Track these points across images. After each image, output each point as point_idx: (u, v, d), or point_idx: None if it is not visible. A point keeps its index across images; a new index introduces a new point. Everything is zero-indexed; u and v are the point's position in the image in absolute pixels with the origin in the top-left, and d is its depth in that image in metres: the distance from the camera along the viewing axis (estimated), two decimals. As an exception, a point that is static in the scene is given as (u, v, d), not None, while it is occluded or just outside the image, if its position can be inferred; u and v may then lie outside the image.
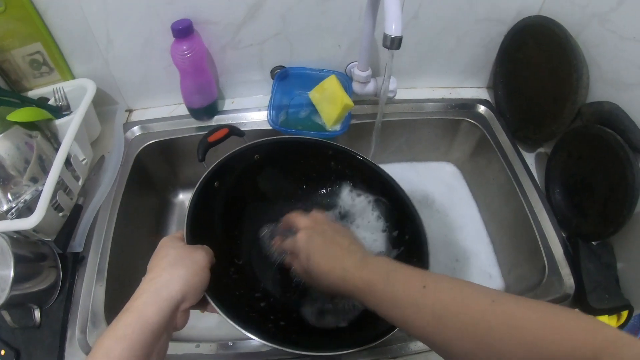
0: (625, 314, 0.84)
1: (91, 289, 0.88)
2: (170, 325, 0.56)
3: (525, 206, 0.99)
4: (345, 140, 1.09)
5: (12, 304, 0.81)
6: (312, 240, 0.68)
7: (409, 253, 0.82)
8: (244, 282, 0.80)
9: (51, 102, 1.02)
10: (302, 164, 0.91)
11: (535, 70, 1.02)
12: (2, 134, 0.89)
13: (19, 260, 0.80)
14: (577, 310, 0.46)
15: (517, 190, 1.01)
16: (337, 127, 1.02)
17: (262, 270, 0.84)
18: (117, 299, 0.89)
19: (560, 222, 0.96)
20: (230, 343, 0.82)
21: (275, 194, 0.92)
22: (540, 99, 1.01)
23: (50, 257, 0.89)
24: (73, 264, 0.91)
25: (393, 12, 0.74)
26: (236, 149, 0.84)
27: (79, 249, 0.92)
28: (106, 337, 0.51)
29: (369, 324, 0.73)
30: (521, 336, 0.43)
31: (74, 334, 0.83)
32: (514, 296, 0.49)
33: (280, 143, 0.89)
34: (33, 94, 1.04)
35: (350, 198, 0.91)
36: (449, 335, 0.49)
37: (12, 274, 0.78)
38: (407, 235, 0.85)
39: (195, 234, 0.70)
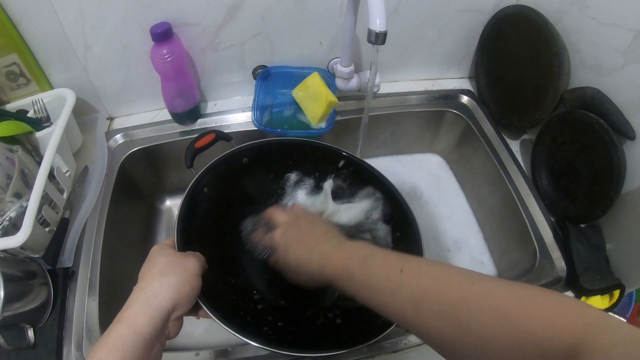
0: (617, 293, 0.85)
1: (84, 304, 0.84)
2: (163, 334, 0.55)
3: (513, 193, 0.98)
4: (331, 137, 1.07)
5: (4, 325, 0.77)
6: (288, 233, 0.68)
7: (401, 250, 0.80)
8: (239, 286, 0.78)
9: (30, 114, 0.97)
10: (291, 165, 0.89)
11: (516, 59, 1.01)
12: (-22, 150, 0.84)
13: (8, 279, 0.75)
14: (559, 292, 0.45)
15: (504, 177, 1.00)
16: (323, 125, 0.99)
17: (256, 271, 0.82)
18: (111, 311, 0.85)
19: (549, 207, 0.96)
20: (229, 349, 0.79)
21: (266, 196, 0.90)
22: (522, 86, 1.00)
23: (40, 274, 0.85)
24: (64, 279, 0.87)
25: (377, 7, 0.72)
26: (224, 153, 0.82)
27: (69, 264, 0.88)
28: (98, 348, 0.49)
29: (366, 319, 0.71)
30: (502, 319, 0.41)
31: (70, 351, 0.80)
32: (494, 278, 0.47)
33: (267, 145, 0.87)
34: (11, 106, 0.98)
35: (340, 196, 0.89)
36: (428, 318, 0.47)
37: (2, 294, 0.74)
38: (399, 232, 0.83)
39: (186, 241, 0.69)
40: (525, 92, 1.00)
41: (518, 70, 1.01)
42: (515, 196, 0.97)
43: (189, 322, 0.65)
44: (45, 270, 0.86)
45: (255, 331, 0.65)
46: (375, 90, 1.01)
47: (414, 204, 1.09)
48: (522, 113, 1.01)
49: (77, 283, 0.86)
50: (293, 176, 0.90)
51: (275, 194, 0.90)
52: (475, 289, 0.45)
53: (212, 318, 0.61)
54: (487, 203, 1.09)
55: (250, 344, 0.60)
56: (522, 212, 0.95)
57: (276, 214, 0.74)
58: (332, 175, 0.89)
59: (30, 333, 0.82)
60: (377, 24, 0.72)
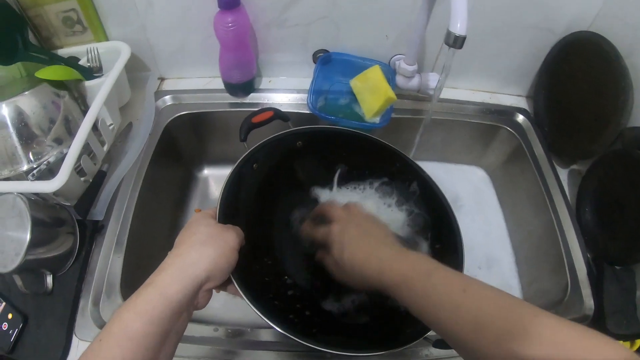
0: (639, 342, 0.79)
1: (108, 259, 0.81)
2: (192, 304, 0.53)
3: (554, 221, 0.91)
4: (382, 134, 1.00)
5: (25, 268, 0.73)
6: (347, 232, 0.63)
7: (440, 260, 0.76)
8: (273, 269, 0.75)
9: (82, 62, 0.93)
10: (344, 157, 0.84)
11: (579, 86, 0.94)
12: (29, 91, 0.80)
13: (36, 224, 0.72)
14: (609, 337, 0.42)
15: (548, 203, 0.93)
16: (377, 120, 0.93)
17: (292, 258, 0.78)
18: (134, 272, 0.83)
19: (587, 242, 0.89)
20: (248, 330, 0.76)
21: (313, 183, 0.85)
22: (582, 115, 0.93)
23: (69, 223, 0.82)
24: (92, 232, 0.83)
25: (460, 10, 0.67)
26: (279, 132, 0.78)
27: (99, 217, 0.84)
28: (125, 310, 0.47)
29: (396, 325, 0.68)
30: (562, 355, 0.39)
31: (86, 305, 0.76)
32: (554, 316, 0.43)
33: (324, 133, 0.82)
34: (63, 52, 0.94)
35: (389, 197, 0.84)
36: (488, 345, 0.44)
37: (28, 237, 0.71)
38: (438, 245, 0.78)
39: (228, 214, 0.65)
40: (583, 122, 0.93)
41: (579, 97, 0.94)
42: (555, 225, 0.91)
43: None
44: (75, 219, 0.83)
45: (281, 316, 0.61)
46: (432, 93, 0.96)
47: None
48: (577, 142, 0.94)
49: (105, 237, 0.83)
50: (344, 169, 0.85)
51: (323, 184, 0.85)
52: (538, 320, 0.42)
53: (240, 295, 0.58)
54: (525, 226, 1.03)
55: (274, 328, 0.57)
56: (560, 243, 0.88)
57: (333, 209, 0.69)
58: (384, 177, 0.85)
59: (49, 280, 0.79)
60: (458, 27, 0.67)
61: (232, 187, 0.69)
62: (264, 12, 0.92)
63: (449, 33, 0.68)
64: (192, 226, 0.58)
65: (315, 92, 0.94)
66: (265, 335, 0.75)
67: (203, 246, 0.54)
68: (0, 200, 0.76)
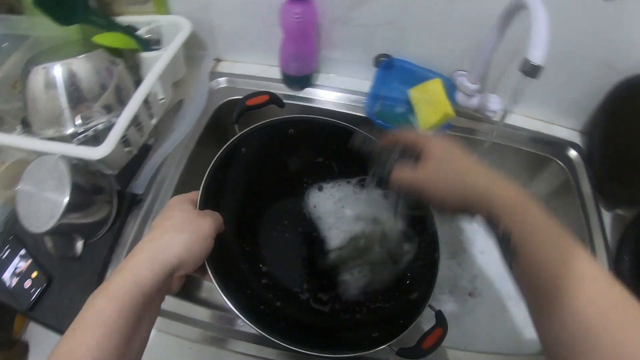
0: None
1: (142, 233, 0.80)
2: (164, 289, 0.52)
3: None
4: None
5: (58, 231, 0.72)
6: (453, 144, 0.58)
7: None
8: (251, 256, 0.74)
9: (141, 33, 0.91)
10: (336, 150, 0.81)
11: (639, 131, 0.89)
12: (84, 55, 0.79)
13: (75, 188, 0.70)
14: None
15: (587, 244, 0.89)
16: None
17: (274, 246, 0.77)
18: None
19: None
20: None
21: (302, 173, 0.84)
22: (637, 160, 0.89)
23: (107, 192, 0.80)
24: (129, 204, 0.82)
25: (541, 38, 0.63)
26: (273, 118, 0.76)
27: (139, 191, 0.83)
28: (98, 296, 0.46)
29: (365, 326, 0.68)
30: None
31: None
32: None
33: (319, 124, 0.79)
34: (121, 20, 0.92)
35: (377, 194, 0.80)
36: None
37: (66, 201, 0.69)
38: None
39: (210, 198, 0.64)
40: (637, 167, 0.88)
41: (637, 142, 0.89)
42: None
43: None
44: (114, 189, 0.81)
45: (251, 306, 0.60)
46: (490, 115, 0.92)
47: (487, 240, 1.03)
48: (628, 187, 0.89)
49: (142, 211, 0.81)
50: (335, 165, 0.84)
51: (313, 175, 0.84)
52: None
53: (212, 281, 0.57)
54: (562, 266, 0.99)
55: (241, 318, 0.56)
56: None
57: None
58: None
59: (79, 245, 0.77)
60: (537, 57, 0.64)
61: (218, 171, 0.67)
62: (332, 7, 0.88)
63: (525, 61, 0.65)
64: (168, 210, 0.57)
65: (373, 96, 0.91)
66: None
67: (176, 232, 0.53)
68: (42, 160, 0.74)
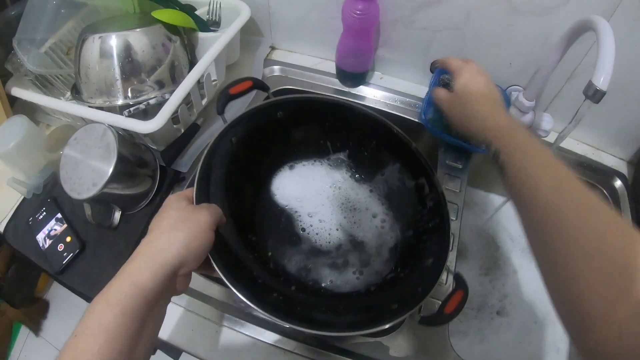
0: None
1: (180, 212, 0.78)
2: (168, 291, 0.50)
3: None
4: (481, 160, 0.98)
5: (98, 199, 0.72)
6: (480, 73, 0.70)
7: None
8: (257, 245, 0.73)
9: (200, 13, 0.90)
10: (328, 127, 0.80)
11: None
12: (142, 28, 0.78)
13: (121, 159, 0.70)
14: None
15: None
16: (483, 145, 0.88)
17: (278, 232, 0.76)
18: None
19: None
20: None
21: (295, 155, 0.83)
22: None
23: (151, 167, 0.80)
24: (171, 181, 0.82)
25: (607, 63, 0.61)
26: (259, 103, 0.73)
27: (184, 169, 0.82)
28: (98, 302, 0.45)
29: (381, 298, 0.67)
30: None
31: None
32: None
33: (307, 102, 0.78)
34: (182, -1, 0.91)
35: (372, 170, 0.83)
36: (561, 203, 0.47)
37: (110, 171, 0.69)
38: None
39: (205, 192, 0.62)
40: None
41: None
42: None
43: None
44: (158, 164, 0.81)
45: (264, 295, 0.59)
46: (543, 135, 0.90)
47: (523, 258, 1.02)
48: None
49: (183, 189, 0.81)
50: (330, 145, 0.83)
51: (307, 156, 0.83)
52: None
53: (220, 276, 0.56)
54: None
55: (257, 310, 0.54)
56: None
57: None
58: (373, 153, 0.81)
59: (117, 215, 0.78)
60: (601, 81, 0.61)
61: (210, 164, 0.65)
62: (395, 7, 0.86)
63: (590, 85, 0.62)
64: (164, 211, 0.56)
65: (428, 102, 0.89)
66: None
67: (173, 230, 0.52)
68: (90, 127, 0.74)
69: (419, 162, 0.74)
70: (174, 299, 0.54)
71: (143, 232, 0.76)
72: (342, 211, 0.79)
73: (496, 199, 1.10)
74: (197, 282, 0.74)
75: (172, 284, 0.50)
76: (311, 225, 0.77)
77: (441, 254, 0.65)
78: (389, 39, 0.92)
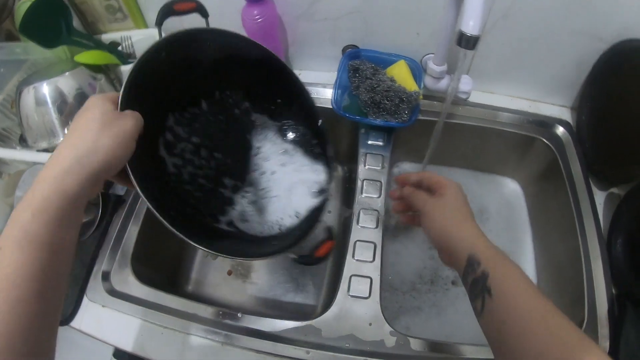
0: None
1: (126, 229, 0.88)
2: (90, 195, 0.50)
3: (582, 249, 0.83)
4: (409, 135, 1.00)
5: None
6: (463, 193, 0.68)
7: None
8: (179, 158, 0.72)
9: (122, 47, 1.00)
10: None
11: (630, 102, 0.84)
12: (68, 72, 0.88)
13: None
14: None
15: (577, 229, 0.85)
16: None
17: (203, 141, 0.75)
18: (146, 241, 0.89)
19: (614, 276, 0.80)
20: (239, 315, 0.78)
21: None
22: (629, 134, 0.83)
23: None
24: (113, 204, 0.91)
25: (473, 8, 0.62)
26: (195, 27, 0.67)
27: (121, 192, 0.92)
28: (23, 210, 0.45)
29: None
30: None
31: (99, 270, 0.85)
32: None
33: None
34: (106, 37, 1.02)
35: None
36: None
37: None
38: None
39: (132, 100, 0.58)
40: (630, 141, 0.83)
41: (628, 114, 0.84)
42: (582, 252, 0.82)
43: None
44: (99, 192, 0.90)
45: (175, 207, 0.63)
46: (464, 97, 0.90)
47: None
48: (620, 163, 0.85)
49: (124, 210, 0.90)
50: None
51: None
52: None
53: (134, 186, 0.53)
54: (550, 250, 0.95)
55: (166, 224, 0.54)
56: (584, 273, 0.80)
57: (439, 183, 0.70)
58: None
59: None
60: (470, 27, 0.63)
61: (139, 74, 0.60)
62: (292, 5, 0.92)
63: (460, 33, 0.64)
64: (88, 110, 0.53)
65: (340, 87, 0.93)
66: (255, 323, 0.78)
67: (100, 135, 0.50)
68: (34, 169, 0.86)
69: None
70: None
71: (94, 255, 0.86)
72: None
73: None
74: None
75: (94, 189, 0.50)
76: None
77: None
78: (296, 36, 0.98)
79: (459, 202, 0.66)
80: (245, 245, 0.71)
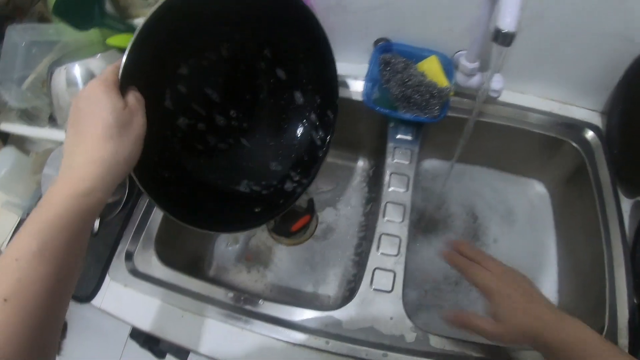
0: None
1: (150, 213, 0.90)
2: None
3: (605, 255, 0.82)
4: (437, 131, 1.00)
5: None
6: (512, 298, 0.61)
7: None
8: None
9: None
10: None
11: None
12: (100, 54, 0.90)
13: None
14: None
15: (602, 235, 0.84)
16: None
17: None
18: (170, 226, 0.91)
19: (637, 286, 0.79)
20: (260, 301, 0.80)
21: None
22: None
23: (121, 177, 0.92)
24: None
25: (510, 4, 0.62)
26: None
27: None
28: (40, 221, 0.44)
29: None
30: None
31: (123, 250, 0.87)
32: None
33: None
34: (138, 22, 1.02)
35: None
36: None
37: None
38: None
39: (137, 74, 0.55)
40: None
41: None
42: (605, 259, 0.82)
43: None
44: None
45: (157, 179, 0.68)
46: (494, 96, 0.90)
47: (503, 227, 1.04)
48: None
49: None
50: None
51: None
52: None
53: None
54: (574, 255, 0.95)
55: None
56: (607, 280, 0.80)
57: (497, 267, 0.66)
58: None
59: (96, 223, 0.89)
60: (506, 23, 0.63)
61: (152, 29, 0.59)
62: (323, -5, 0.91)
63: (496, 29, 0.64)
64: (97, 112, 0.49)
65: (371, 80, 0.93)
66: (276, 310, 0.79)
67: (119, 144, 0.48)
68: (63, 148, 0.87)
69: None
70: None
71: (119, 235, 0.88)
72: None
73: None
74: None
75: (100, 209, 0.49)
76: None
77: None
78: (328, 25, 0.94)
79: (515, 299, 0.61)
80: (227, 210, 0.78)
